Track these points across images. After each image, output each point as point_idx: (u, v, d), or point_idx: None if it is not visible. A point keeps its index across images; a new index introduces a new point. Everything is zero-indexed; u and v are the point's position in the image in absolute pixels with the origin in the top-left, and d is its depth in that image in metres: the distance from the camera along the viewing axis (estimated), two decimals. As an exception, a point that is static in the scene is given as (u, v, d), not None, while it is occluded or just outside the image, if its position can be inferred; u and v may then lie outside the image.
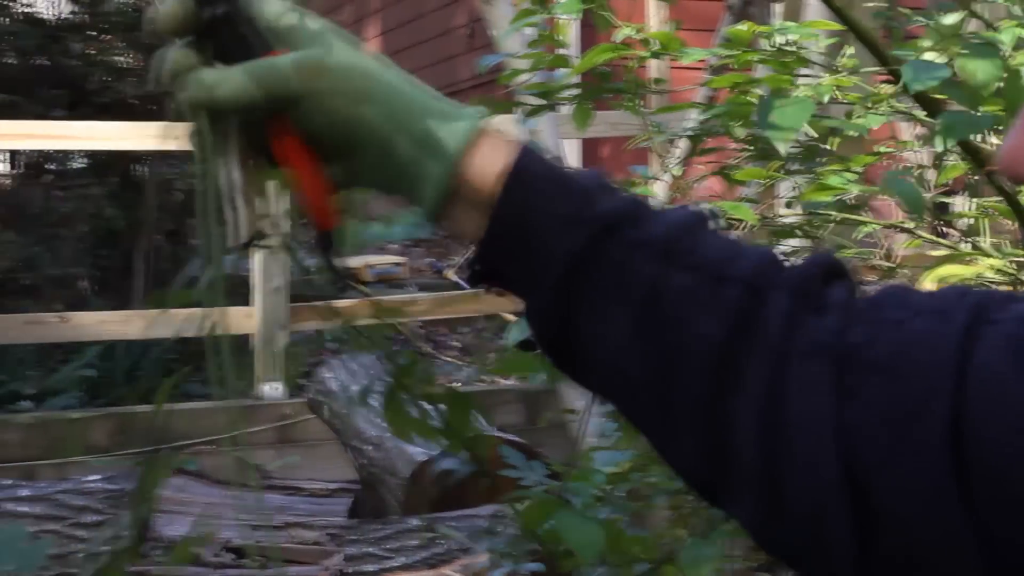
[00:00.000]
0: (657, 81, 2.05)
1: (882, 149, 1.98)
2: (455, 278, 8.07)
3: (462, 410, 1.11)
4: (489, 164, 0.88)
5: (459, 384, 6.67)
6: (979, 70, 1.42)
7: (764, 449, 0.78)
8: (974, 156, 1.48)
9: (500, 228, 0.87)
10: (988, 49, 1.47)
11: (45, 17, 7.60)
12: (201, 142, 0.96)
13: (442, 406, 1.13)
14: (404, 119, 0.89)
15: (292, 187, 0.93)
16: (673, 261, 0.83)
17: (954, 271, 1.80)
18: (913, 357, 0.75)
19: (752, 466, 0.79)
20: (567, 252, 0.84)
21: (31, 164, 7.65)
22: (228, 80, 0.91)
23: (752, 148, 1.91)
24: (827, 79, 1.67)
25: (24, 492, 4.39)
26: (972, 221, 2.12)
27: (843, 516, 0.75)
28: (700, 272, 0.82)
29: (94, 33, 7.55)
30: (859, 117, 1.80)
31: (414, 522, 4.09)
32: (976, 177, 2.00)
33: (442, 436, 1.10)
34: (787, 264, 0.84)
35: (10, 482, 4.50)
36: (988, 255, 1.91)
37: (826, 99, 1.66)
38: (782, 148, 1.43)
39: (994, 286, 1.88)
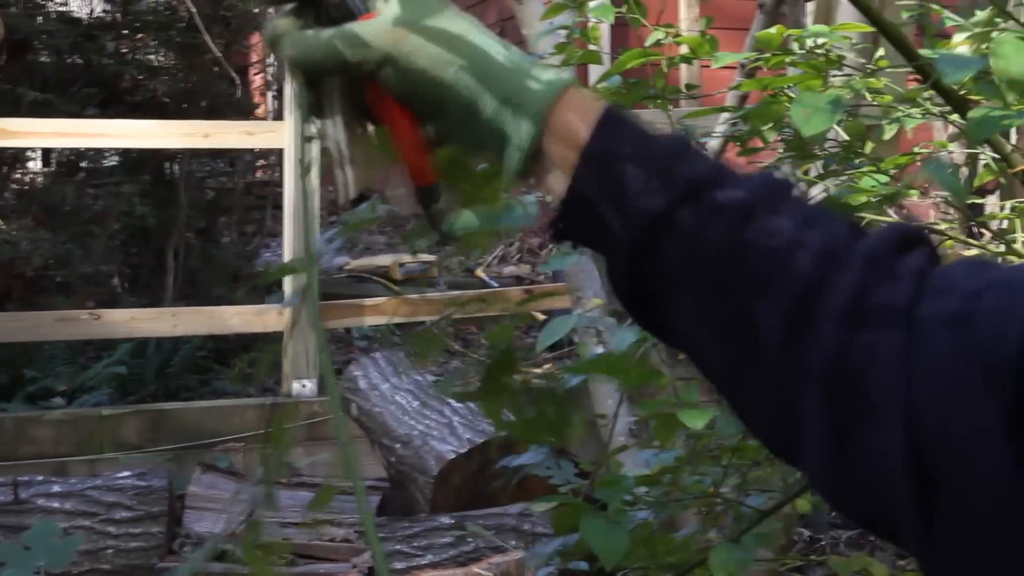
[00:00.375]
0: (688, 87, 2.04)
1: (917, 150, 1.97)
2: (484, 276, 8.07)
3: (558, 406, 1.11)
4: (573, 124, 0.90)
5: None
6: (1012, 64, 1.41)
7: (832, 412, 0.79)
8: (1004, 157, 1.47)
9: (582, 189, 0.89)
10: (1021, 44, 1.46)
11: (79, 16, 7.63)
12: (301, 102, 0.98)
13: (535, 400, 1.12)
14: (489, 81, 0.92)
15: (391, 145, 0.96)
16: (750, 226, 0.84)
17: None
18: (982, 330, 0.75)
19: (820, 429, 0.79)
20: (647, 215, 0.86)
21: (64, 162, 7.69)
22: (315, 43, 0.94)
23: (784, 150, 1.90)
24: (858, 80, 1.66)
25: (56, 488, 4.41)
26: (1005, 223, 2.11)
27: (907, 484, 0.75)
28: (776, 238, 0.83)
29: (127, 32, 7.58)
30: (890, 121, 1.79)
31: (443, 520, 4.09)
32: (1002, 179, 1.99)
33: (535, 431, 1.10)
34: (865, 231, 0.84)
35: (42, 478, 4.53)
36: (1021, 256, 1.90)
37: (864, 93, 1.65)
38: (809, 133, 1.43)
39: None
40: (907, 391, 0.76)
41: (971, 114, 1.31)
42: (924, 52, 1.60)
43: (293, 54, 0.96)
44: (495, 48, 0.93)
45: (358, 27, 0.93)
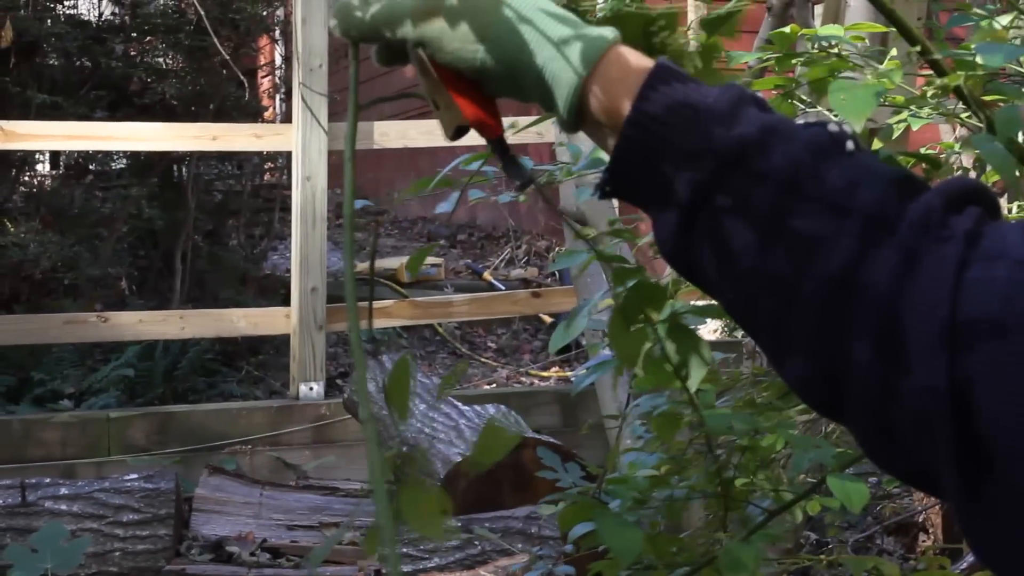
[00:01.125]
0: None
1: (924, 151, 1.96)
2: (492, 279, 8.07)
3: (689, 343, 1.09)
4: (617, 86, 0.90)
5: (495, 385, 6.67)
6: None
7: (876, 377, 0.79)
8: (1020, 157, 1.46)
9: (627, 154, 0.89)
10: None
11: (87, 19, 7.64)
12: (378, 53, 1.01)
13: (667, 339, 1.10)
14: (524, 53, 0.92)
15: (455, 104, 0.98)
16: (796, 192, 0.83)
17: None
18: None
19: (864, 394, 0.80)
20: (691, 182, 0.86)
21: (72, 165, 7.69)
22: (357, 18, 0.97)
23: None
24: (870, 79, 1.65)
25: (63, 491, 4.41)
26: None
27: (950, 441, 0.75)
28: (821, 203, 0.82)
29: (136, 35, 7.58)
30: (898, 120, 1.78)
31: (450, 523, 4.09)
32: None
33: (662, 369, 1.08)
34: (916, 188, 0.83)
35: (49, 480, 4.52)
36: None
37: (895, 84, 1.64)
38: (858, 127, 1.42)
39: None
40: (952, 361, 0.75)
41: (999, 113, 1.30)
42: (943, 53, 1.60)
43: (338, 24, 0.99)
44: (532, 14, 0.93)
45: (393, 4, 0.95)
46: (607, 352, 1.78)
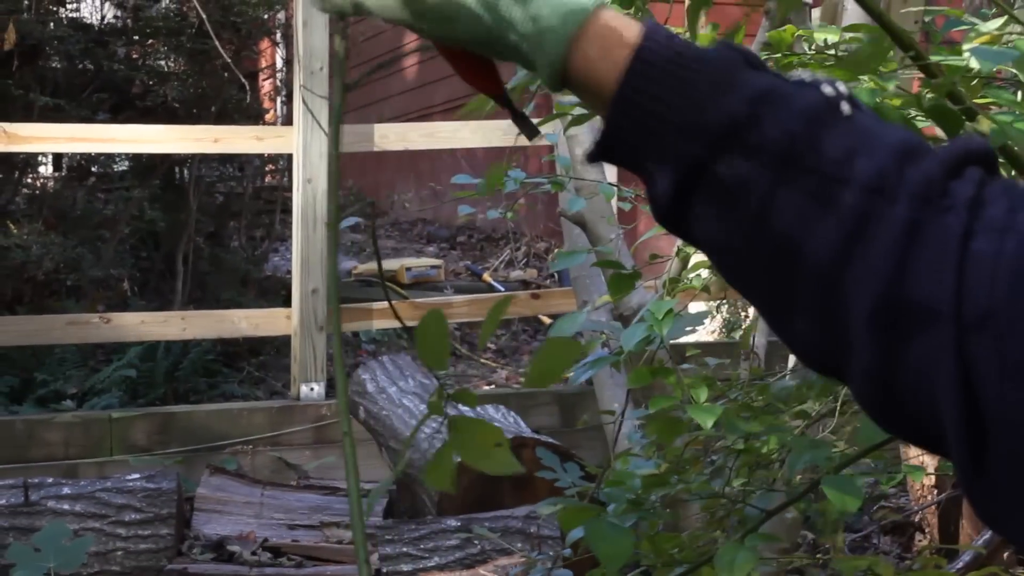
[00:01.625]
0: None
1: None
2: (491, 281, 8.07)
3: None
4: (600, 63, 0.87)
5: (494, 386, 6.67)
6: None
7: (878, 349, 0.77)
8: (1014, 163, 1.46)
9: (617, 130, 0.86)
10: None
11: (90, 22, 7.64)
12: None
13: None
14: (499, 33, 0.90)
15: (457, 71, 0.97)
16: (792, 165, 0.80)
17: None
18: None
19: (866, 365, 0.78)
20: (684, 158, 0.83)
21: (75, 167, 7.70)
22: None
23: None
24: (867, 82, 1.66)
25: (66, 490, 4.41)
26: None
27: (955, 410, 0.74)
28: (817, 175, 0.80)
29: (138, 38, 7.59)
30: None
31: (450, 522, 4.09)
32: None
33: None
34: (917, 152, 0.80)
35: (52, 480, 4.53)
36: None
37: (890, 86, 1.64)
38: None
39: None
40: (959, 338, 0.74)
41: (991, 121, 1.31)
42: (933, 58, 1.60)
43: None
44: None
45: None
46: (603, 350, 1.78)
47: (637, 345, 1.63)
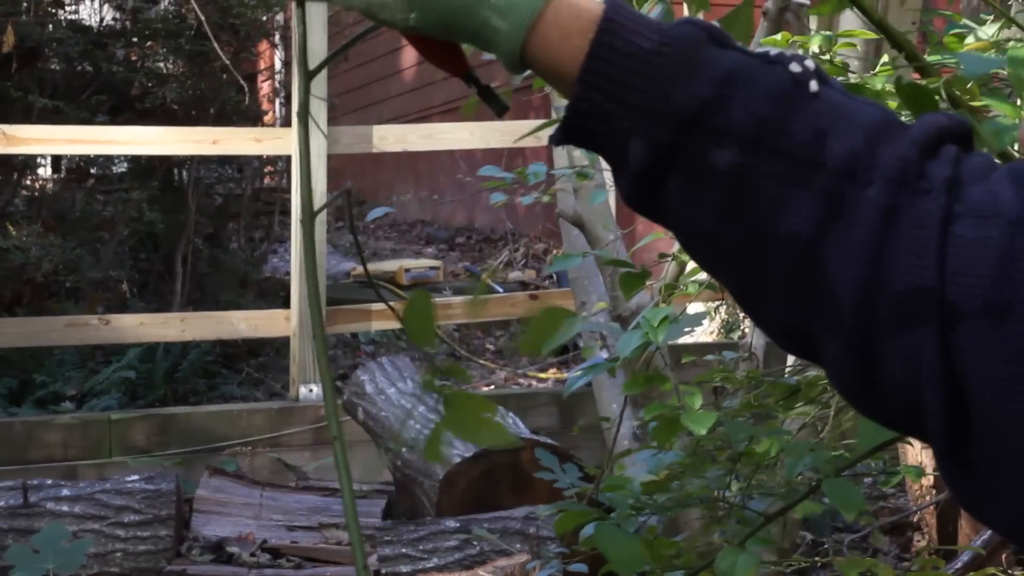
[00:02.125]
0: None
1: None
2: (490, 282, 8.07)
3: None
4: (561, 47, 0.84)
5: (493, 387, 6.67)
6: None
7: (857, 338, 0.75)
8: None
9: (581, 117, 0.84)
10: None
11: (89, 24, 7.63)
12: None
13: None
14: (456, 19, 0.88)
15: (424, 55, 0.97)
16: (760, 149, 0.78)
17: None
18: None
19: (844, 353, 0.76)
20: (650, 145, 0.81)
21: (74, 169, 7.69)
22: None
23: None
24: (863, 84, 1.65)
25: (65, 492, 4.40)
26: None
27: (938, 399, 0.73)
28: (788, 159, 0.77)
29: (137, 40, 7.58)
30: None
31: (449, 523, 4.08)
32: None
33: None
34: (889, 131, 0.77)
35: (51, 482, 4.52)
36: None
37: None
38: None
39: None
40: (941, 328, 0.72)
41: (987, 125, 1.30)
42: (930, 59, 1.60)
43: None
44: None
45: None
46: (602, 354, 1.78)
47: (633, 352, 1.63)
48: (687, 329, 1.70)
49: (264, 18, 7.79)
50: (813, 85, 0.79)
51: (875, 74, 1.60)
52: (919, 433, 0.76)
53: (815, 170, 0.76)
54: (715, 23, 0.87)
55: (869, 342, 0.75)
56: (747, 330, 3.50)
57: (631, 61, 0.81)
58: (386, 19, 0.91)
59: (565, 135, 0.86)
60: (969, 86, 1.52)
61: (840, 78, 1.70)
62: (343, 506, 0.90)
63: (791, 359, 2.74)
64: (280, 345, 6.55)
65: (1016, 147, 1.49)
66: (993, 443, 0.72)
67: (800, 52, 0.81)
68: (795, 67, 0.80)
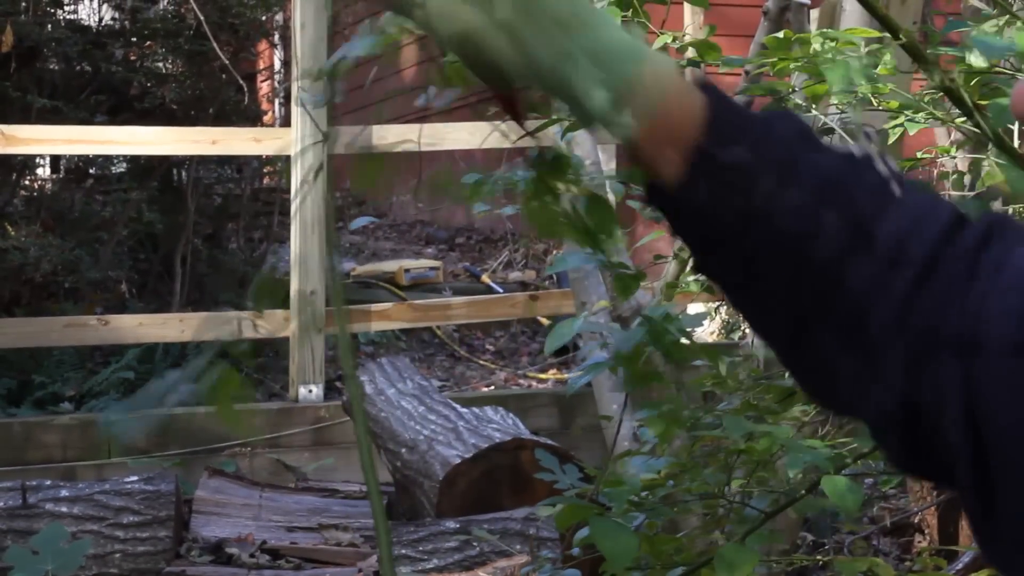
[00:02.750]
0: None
1: (920, 155, 1.97)
2: (490, 282, 8.07)
3: (602, 212, 1.08)
4: (661, 147, 0.85)
5: (493, 387, 6.67)
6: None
7: (899, 380, 0.79)
8: (1010, 155, 1.47)
9: (677, 215, 0.87)
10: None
11: (87, 24, 7.64)
12: None
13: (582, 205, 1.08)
14: (542, 78, 0.87)
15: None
16: (852, 251, 0.82)
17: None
18: None
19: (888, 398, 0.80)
20: (741, 244, 0.84)
21: (73, 169, 7.70)
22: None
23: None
24: (864, 85, 1.66)
25: (64, 493, 4.40)
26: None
27: (962, 444, 0.76)
28: (873, 258, 0.81)
29: (136, 39, 7.59)
30: (894, 125, 1.79)
31: (449, 524, 4.09)
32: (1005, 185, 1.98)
33: (581, 234, 1.06)
34: (962, 224, 0.82)
35: (50, 483, 4.52)
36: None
37: (870, 98, 1.65)
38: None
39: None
40: (965, 373, 0.76)
41: (992, 107, 1.31)
42: (935, 51, 1.60)
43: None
44: (546, 41, 0.86)
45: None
46: (602, 354, 1.78)
47: (635, 347, 1.63)
48: (687, 330, 1.70)
49: (263, 18, 7.80)
50: (895, 188, 0.84)
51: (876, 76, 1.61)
52: (949, 479, 0.80)
53: (898, 267, 0.81)
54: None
55: (907, 386, 0.79)
56: (748, 331, 3.51)
57: (732, 172, 0.84)
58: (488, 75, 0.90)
59: (668, 216, 0.89)
60: (973, 83, 1.53)
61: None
62: (368, 493, 0.91)
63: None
64: (279, 346, 6.56)
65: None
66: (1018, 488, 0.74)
67: (878, 152, 0.85)
68: (882, 168, 0.85)
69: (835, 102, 1.87)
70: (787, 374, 2.23)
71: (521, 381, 6.88)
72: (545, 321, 7.44)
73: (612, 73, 0.85)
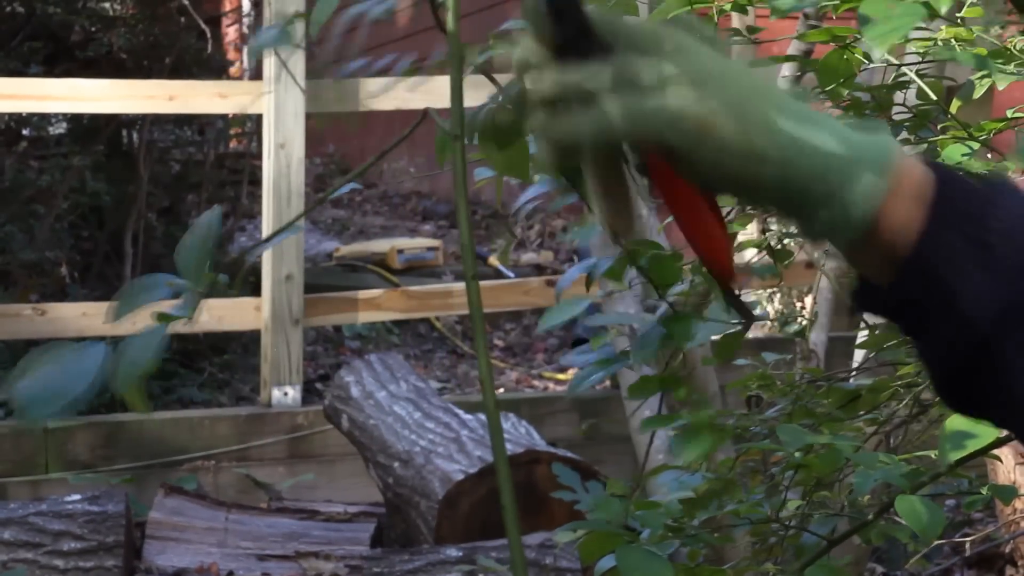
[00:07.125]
0: (751, 30, 2.02)
1: (1011, 114, 1.97)
2: (499, 265, 8.06)
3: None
4: (900, 225, 0.90)
5: (502, 389, 6.68)
6: None
7: None
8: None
9: (905, 291, 0.92)
10: None
11: (20, -43, 7.65)
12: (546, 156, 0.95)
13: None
14: (807, 181, 0.90)
15: (683, 229, 0.95)
16: None
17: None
18: None
19: None
20: (968, 338, 0.89)
21: (2, 129, 7.71)
22: (593, 115, 0.89)
23: (850, 110, 1.90)
24: (947, 27, 1.66)
25: (-7, 514, 4.42)
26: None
27: None
28: None
29: (77, -24, 7.60)
30: (984, 74, 1.78)
31: (450, 552, 4.10)
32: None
33: (548, 168, 1.06)
34: None
35: (-23, 502, 4.54)
36: None
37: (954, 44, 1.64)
38: (877, 53, 1.41)
39: None
40: None
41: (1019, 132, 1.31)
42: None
43: (555, 127, 0.91)
44: (811, 132, 0.90)
45: (653, 108, 0.88)
46: (609, 347, 1.77)
47: (650, 354, 1.62)
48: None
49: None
50: None
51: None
52: None
53: None
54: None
55: None
56: (805, 323, 3.50)
57: (965, 249, 0.89)
58: (733, 166, 0.90)
59: (880, 308, 0.95)
60: None
61: (918, 25, 1.70)
62: (491, 447, 0.89)
63: (859, 357, 2.74)
64: (249, 340, 6.56)
65: None
66: None
67: None
68: None
69: (912, 49, 1.86)
70: (853, 376, 2.22)
71: (536, 382, 6.89)
72: (564, 311, 7.43)
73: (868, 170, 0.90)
